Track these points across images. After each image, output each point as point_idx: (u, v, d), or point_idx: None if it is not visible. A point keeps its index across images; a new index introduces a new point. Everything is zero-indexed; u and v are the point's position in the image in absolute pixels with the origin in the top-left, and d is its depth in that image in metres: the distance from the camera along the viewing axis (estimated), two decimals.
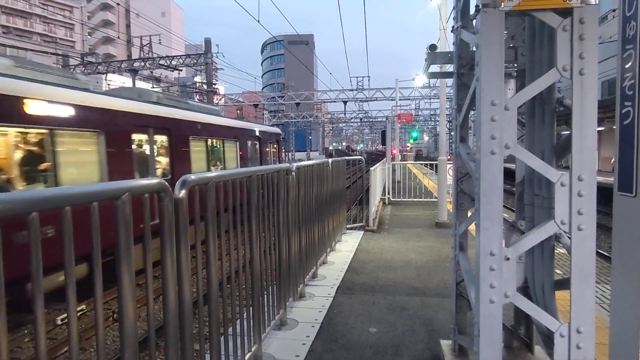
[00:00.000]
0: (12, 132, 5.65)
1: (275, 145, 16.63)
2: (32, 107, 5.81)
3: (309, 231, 4.32)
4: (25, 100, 5.74)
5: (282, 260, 3.45)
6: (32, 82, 6.17)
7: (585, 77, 1.90)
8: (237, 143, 12.55)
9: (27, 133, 5.89)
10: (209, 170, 10.59)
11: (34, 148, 6.03)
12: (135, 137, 8.02)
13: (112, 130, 7.33)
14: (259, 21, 13.58)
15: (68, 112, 6.41)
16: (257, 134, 14.42)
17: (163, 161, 9.06)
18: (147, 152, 8.54)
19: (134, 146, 7.94)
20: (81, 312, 6.52)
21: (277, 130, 17.66)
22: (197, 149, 10.20)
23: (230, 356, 2.44)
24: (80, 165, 6.88)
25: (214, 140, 11.28)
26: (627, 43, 1.23)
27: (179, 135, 9.44)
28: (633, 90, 1.20)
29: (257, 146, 14.27)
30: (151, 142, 8.60)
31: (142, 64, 21.40)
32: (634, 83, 1.20)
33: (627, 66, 1.23)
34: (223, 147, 11.75)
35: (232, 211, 2.57)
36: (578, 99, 1.91)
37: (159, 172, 8.86)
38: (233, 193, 2.54)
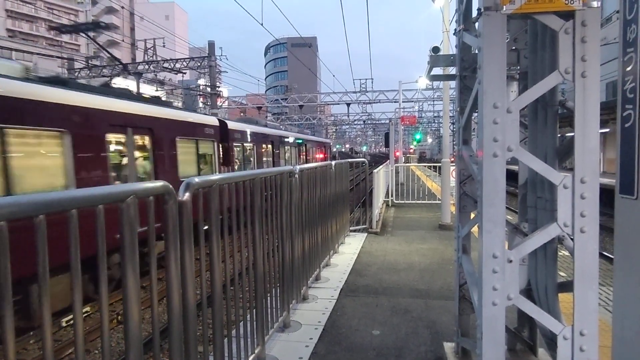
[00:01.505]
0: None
1: (329, 149, 31.45)
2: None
3: (312, 233, 4.33)
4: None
5: (285, 263, 3.46)
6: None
7: (588, 80, 1.90)
8: (324, 148, 27.38)
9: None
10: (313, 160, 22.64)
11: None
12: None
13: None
14: (262, 24, 13.64)
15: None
16: (324, 143, 28.68)
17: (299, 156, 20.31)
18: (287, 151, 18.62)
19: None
20: (86, 314, 6.55)
21: (329, 140, 33.96)
22: (313, 151, 24.10)
23: (233, 358, 2.45)
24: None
25: (317, 147, 25.24)
26: (628, 46, 1.23)
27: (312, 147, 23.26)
28: (634, 94, 1.20)
29: (327, 150, 28.08)
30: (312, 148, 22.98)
31: (146, 67, 21.50)
32: (635, 86, 1.20)
33: (628, 69, 1.24)
34: (321, 149, 26.34)
35: (235, 213, 2.59)
36: (580, 101, 1.92)
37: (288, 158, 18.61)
38: (237, 196, 2.56)
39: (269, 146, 16.20)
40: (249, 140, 13.83)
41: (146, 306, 6.45)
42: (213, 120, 11.38)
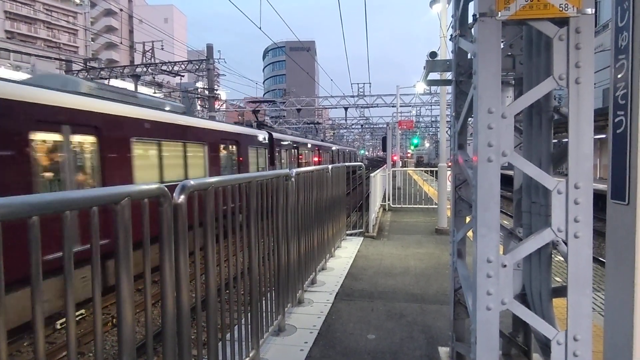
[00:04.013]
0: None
1: (354, 154, 45.33)
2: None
3: (308, 237, 4.33)
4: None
5: (281, 266, 3.45)
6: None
7: (582, 86, 1.92)
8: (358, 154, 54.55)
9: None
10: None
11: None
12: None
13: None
14: (260, 28, 13.66)
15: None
16: (346, 150, 40.59)
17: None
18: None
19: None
20: (80, 317, 6.51)
21: (356, 149, 54.32)
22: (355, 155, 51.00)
23: None
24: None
25: (348, 152, 43.77)
26: (619, 53, 1.25)
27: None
28: (625, 100, 1.21)
29: (356, 155, 46.99)
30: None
31: (145, 69, 21.50)
32: (627, 92, 1.21)
33: (619, 76, 1.25)
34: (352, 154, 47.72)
35: (231, 217, 2.59)
36: (574, 107, 1.93)
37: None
38: (232, 199, 2.56)
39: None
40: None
41: (141, 309, 6.42)
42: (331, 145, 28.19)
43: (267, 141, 15.64)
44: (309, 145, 23.23)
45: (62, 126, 6.35)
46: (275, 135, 17.01)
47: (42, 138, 6.05)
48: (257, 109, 32.16)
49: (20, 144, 5.68)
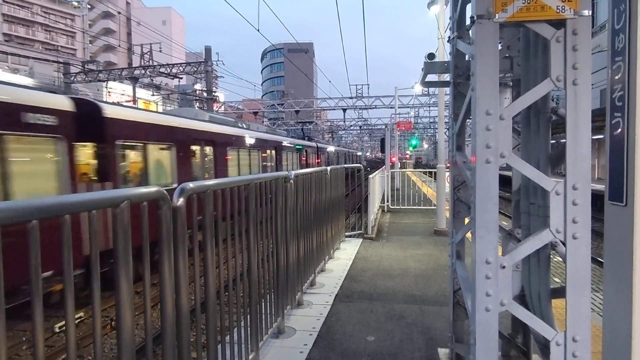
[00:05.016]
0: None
1: (357, 156, 54.67)
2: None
3: (307, 239, 4.33)
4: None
5: (280, 268, 3.45)
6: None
7: (579, 87, 1.93)
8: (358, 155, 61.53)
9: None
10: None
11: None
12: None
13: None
14: (258, 30, 13.67)
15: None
16: (354, 153, 54.65)
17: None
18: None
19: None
20: (79, 320, 6.50)
21: (357, 151, 63.88)
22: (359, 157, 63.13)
23: None
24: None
25: (355, 154, 55.60)
26: (616, 55, 1.25)
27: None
28: (622, 102, 1.22)
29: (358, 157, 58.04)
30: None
31: (143, 71, 21.51)
32: (623, 94, 1.22)
33: (616, 78, 1.26)
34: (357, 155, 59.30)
35: (230, 219, 2.59)
36: (572, 108, 1.94)
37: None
38: (231, 201, 2.56)
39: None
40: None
41: (140, 312, 6.41)
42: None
43: (316, 148, 26.92)
44: (334, 150, 36.03)
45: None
46: (319, 144, 28.66)
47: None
48: (255, 110, 33.84)
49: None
